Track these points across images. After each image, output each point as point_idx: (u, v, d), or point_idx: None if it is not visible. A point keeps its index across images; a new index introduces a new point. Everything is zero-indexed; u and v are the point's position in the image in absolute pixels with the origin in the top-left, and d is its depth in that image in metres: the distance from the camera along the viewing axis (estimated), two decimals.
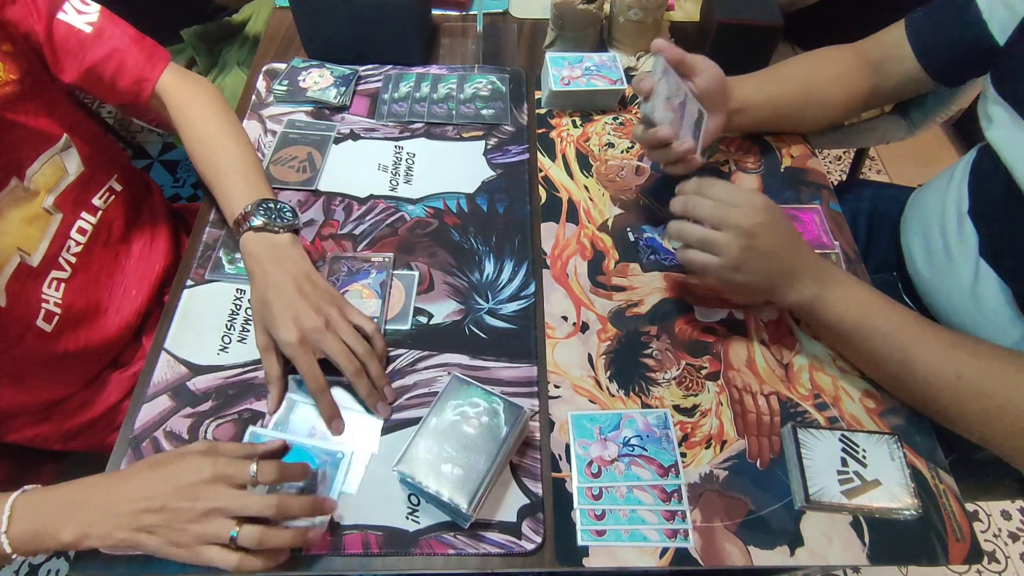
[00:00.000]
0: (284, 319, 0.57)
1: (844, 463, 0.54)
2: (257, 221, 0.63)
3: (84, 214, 0.68)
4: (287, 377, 0.60)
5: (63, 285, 0.66)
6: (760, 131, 0.82)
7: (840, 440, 0.56)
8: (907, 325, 0.56)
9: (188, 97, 0.72)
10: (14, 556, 0.48)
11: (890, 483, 0.53)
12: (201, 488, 0.48)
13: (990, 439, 0.54)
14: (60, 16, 0.63)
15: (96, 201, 0.70)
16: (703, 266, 0.58)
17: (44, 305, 0.64)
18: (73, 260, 0.67)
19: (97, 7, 0.66)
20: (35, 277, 0.63)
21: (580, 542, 0.53)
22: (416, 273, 0.69)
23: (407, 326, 0.65)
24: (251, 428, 0.58)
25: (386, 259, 0.69)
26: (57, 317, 0.65)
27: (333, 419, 0.58)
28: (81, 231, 0.67)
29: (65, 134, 0.64)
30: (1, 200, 0.58)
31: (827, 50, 0.79)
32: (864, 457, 0.55)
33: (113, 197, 0.72)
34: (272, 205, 0.65)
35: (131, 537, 0.47)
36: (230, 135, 0.71)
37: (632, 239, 0.72)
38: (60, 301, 0.65)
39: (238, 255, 0.69)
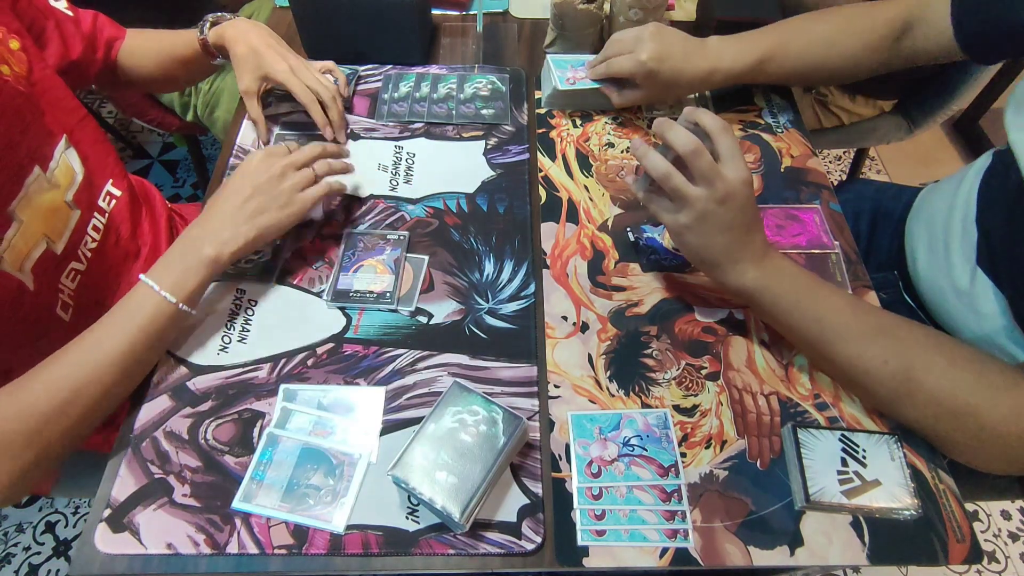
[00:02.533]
0: (273, 57, 0.74)
1: (844, 463, 0.54)
2: (211, 17, 0.77)
3: (96, 214, 0.71)
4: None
5: (79, 277, 0.68)
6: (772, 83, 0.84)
7: (840, 440, 0.56)
8: (838, 312, 0.56)
9: (157, 32, 0.84)
10: (182, 306, 0.58)
11: (890, 483, 0.53)
12: (270, 162, 0.64)
13: (916, 423, 0.56)
14: (50, 4, 0.70)
15: (101, 203, 0.72)
16: (657, 211, 0.60)
17: (60, 296, 0.66)
18: (90, 255, 0.70)
19: None
20: (57, 265, 0.66)
21: (580, 542, 0.53)
22: (425, 258, 0.70)
23: (411, 307, 0.66)
24: (284, 386, 0.61)
25: (401, 237, 0.70)
26: (71, 308, 0.67)
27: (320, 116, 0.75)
28: (96, 229, 0.71)
29: (64, 135, 0.67)
30: (28, 188, 0.62)
31: (859, 7, 0.78)
32: (864, 457, 0.55)
33: (114, 202, 0.74)
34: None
35: (253, 224, 0.62)
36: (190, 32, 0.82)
37: (632, 239, 0.72)
38: (73, 293, 0.67)
39: None
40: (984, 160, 0.73)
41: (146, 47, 0.81)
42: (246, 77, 0.74)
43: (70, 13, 0.72)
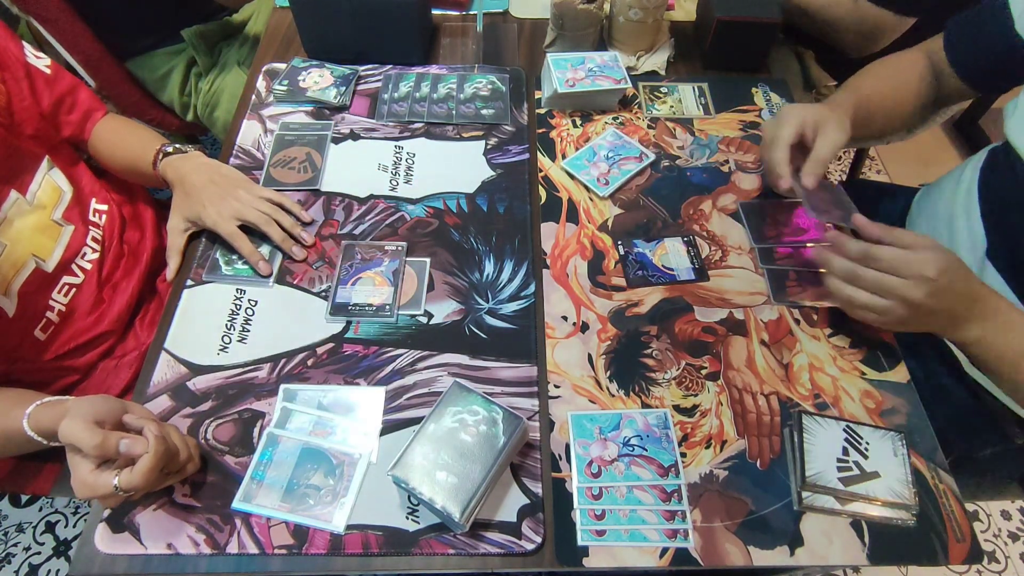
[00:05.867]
0: (204, 202, 0.70)
1: (845, 452, 0.54)
2: (169, 148, 0.75)
3: (92, 228, 0.74)
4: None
5: (73, 290, 0.71)
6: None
7: (845, 431, 0.56)
8: None
9: (129, 127, 0.81)
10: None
11: (890, 477, 0.53)
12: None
13: None
14: (26, 59, 0.71)
15: (92, 217, 0.75)
16: (865, 317, 0.57)
17: (48, 313, 0.68)
18: (88, 267, 0.73)
19: (48, 58, 0.74)
20: (48, 282, 0.68)
21: (580, 542, 0.53)
22: (427, 260, 0.70)
23: (420, 311, 0.66)
24: (284, 386, 0.61)
25: (399, 248, 0.70)
26: (53, 327, 0.69)
27: (258, 261, 0.69)
28: (96, 240, 0.74)
29: (47, 156, 0.71)
30: (7, 212, 0.65)
31: (897, 57, 0.77)
32: (866, 449, 0.55)
33: (104, 216, 0.77)
34: (176, 141, 0.77)
35: None
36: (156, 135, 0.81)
37: (622, 252, 0.72)
38: (64, 307, 0.70)
39: (234, 256, 0.70)
40: (980, 157, 0.73)
41: (112, 140, 0.78)
42: (175, 217, 0.72)
43: (47, 71, 0.72)
